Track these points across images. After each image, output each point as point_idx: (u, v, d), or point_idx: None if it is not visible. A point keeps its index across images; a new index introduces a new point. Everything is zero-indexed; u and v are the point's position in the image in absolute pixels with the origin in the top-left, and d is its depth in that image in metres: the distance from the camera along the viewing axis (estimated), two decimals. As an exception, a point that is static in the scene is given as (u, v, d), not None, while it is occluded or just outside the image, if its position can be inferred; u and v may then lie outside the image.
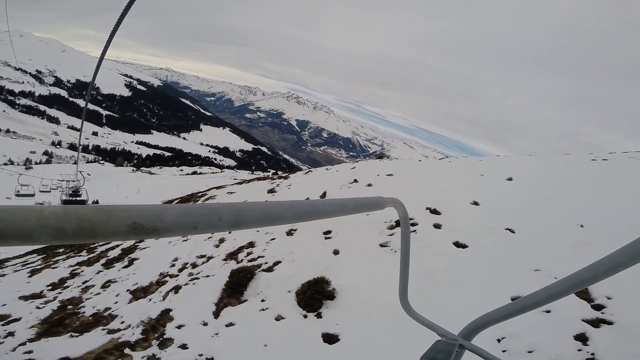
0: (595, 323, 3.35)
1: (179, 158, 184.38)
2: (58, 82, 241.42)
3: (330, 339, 3.60)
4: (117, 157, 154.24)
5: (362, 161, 19.06)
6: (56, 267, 8.50)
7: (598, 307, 3.56)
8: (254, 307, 4.42)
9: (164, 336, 4.14)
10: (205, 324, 4.26)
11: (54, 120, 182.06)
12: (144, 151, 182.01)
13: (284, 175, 15.81)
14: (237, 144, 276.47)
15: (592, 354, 3.04)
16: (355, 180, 10.60)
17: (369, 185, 9.85)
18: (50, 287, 7.11)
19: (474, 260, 4.96)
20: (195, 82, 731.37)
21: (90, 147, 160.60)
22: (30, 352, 4.65)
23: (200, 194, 15.23)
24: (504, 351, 3.23)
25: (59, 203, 15.66)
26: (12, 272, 8.63)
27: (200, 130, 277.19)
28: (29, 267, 8.98)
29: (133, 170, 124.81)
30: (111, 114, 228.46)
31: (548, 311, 3.58)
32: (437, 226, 6.09)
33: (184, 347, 3.82)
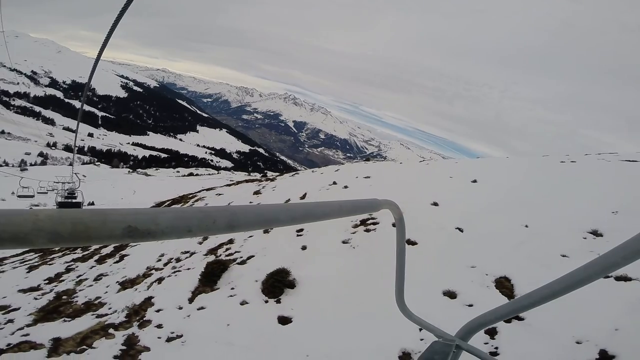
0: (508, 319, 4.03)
1: (175, 159, 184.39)
2: (53, 83, 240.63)
3: (284, 320, 4.27)
4: (112, 158, 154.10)
5: (349, 164, 19.76)
6: (52, 264, 9.13)
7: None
8: (224, 294, 5.09)
9: (144, 318, 4.81)
10: (180, 308, 4.94)
11: (49, 122, 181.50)
12: (140, 153, 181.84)
13: (271, 177, 16.49)
14: (234, 145, 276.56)
15: (496, 348, 3.60)
16: (334, 183, 11.30)
17: (345, 187, 10.56)
18: (47, 281, 7.74)
19: (421, 256, 5.64)
20: (192, 83, 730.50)
21: (85, 149, 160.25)
22: (27, 334, 5.29)
23: (190, 196, 15.87)
24: (422, 339, 3.89)
25: (54, 205, 16.24)
26: (11, 269, 9.24)
27: (197, 131, 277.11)
28: (27, 264, 9.59)
29: (129, 171, 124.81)
30: (107, 115, 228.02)
31: (470, 305, 4.26)
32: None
33: (159, 326, 4.49)
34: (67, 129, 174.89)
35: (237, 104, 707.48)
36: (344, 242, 6.43)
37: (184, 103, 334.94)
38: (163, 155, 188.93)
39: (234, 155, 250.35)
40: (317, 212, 0.54)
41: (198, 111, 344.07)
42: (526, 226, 6.42)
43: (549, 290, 0.55)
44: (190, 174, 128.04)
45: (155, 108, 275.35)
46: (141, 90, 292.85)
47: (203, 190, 17.19)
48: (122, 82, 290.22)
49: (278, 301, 4.67)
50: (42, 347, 4.78)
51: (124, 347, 4.16)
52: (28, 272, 8.66)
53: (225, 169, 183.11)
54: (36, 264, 9.49)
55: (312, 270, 5.40)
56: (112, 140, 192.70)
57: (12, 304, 6.76)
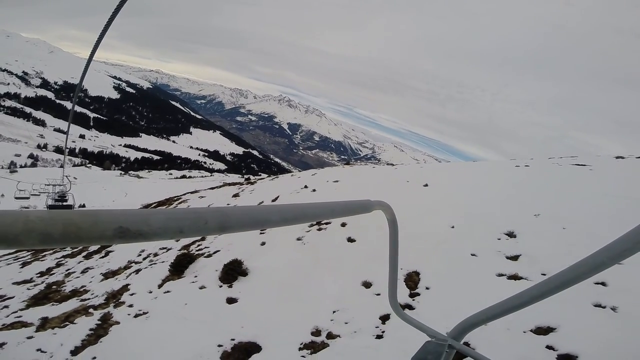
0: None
1: (168, 162, 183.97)
2: (45, 84, 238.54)
3: (230, 300, 5.28)
4: (104, 160, 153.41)
5: (328, 167, 20.81)
6: (44, 260, 10.02)
7: (414, 295, 5.29)
8: (188, 281, 6.09)
9: (119, 301, 5.78)
10: (150, 292, 5.92)
11: (40, 123, 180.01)
12: (132, 154, 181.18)
13: (252, 180, 17.47)
14: (228, 147, 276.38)
15: (383, 332, 4.44)
16: (305, 186, 12.33)
17: (314, 190, 11.61)
18: (39, 275, 8.66)
19: (356, 252, 6.68)
20: (186, 84, 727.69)
21: (77, 151, 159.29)
22: (20, 316, 6.23)
23: (175, 198, 16.78)
24: (331, 320, 4.86)
25: (45, 208, 16.95)
26: (6, 265, 10.11)
27: (190, 133, 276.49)
28: (20, 261, 10.47)
29: (121, 174, 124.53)
30: (99, 116, 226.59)
31: (378, 294, 5.26)
32: (343, 225, 7.84)
33: (130, 306, 5.47)
34: (58, 130, 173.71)
35: (231, 105, 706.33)
36: (297, 239, 7.45)
37: (177, 104, 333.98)
38: (155, 157, 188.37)
39: (228, 158, 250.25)
40: (309, 213, 0.55)
41: (192, 113, 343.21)
42: (452, 227, 7.47)
43: (539, 290, 0.54)
44: (183, 177, 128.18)
45: (148, 109, 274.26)
46: (134, 92, 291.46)
47: (188, 193, 18.11)
48: (114, 83, 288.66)
49: (230, 286, 5.67)
50: (32, 325, 5.72)
51: (99, 322, 5.14)
52: (22, 267, 9.55)
53: (219, 171, 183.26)
54: (29, 260, 10.36)
55: (264, 262, 6.42)
56: (103, 141, 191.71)
57: (7, 294, 7.68)
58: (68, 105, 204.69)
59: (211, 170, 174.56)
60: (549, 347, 3.18)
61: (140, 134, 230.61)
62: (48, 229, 0.30)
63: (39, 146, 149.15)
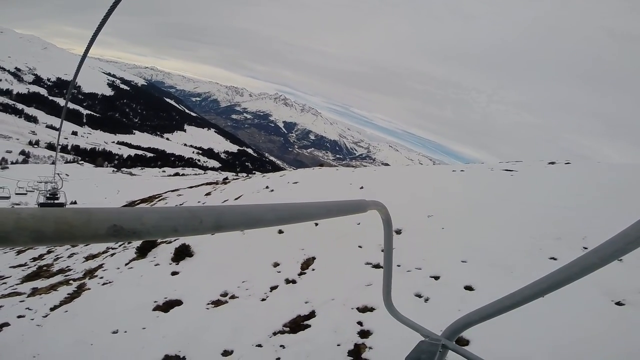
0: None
1: (161, 159, 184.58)
2: (38, 81, 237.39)
3: (174, 273, 7.04)
4: (97, 157, 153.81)
5: (302, 169, 22.55)
6: (37, 248, 11.69)
7: (301, 274, 7.10)
8: (148, 260, 7.85)
9: (94, 275, 7.54)
10: (117, 268, 7.68)
11: (32, 119, 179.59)
12: (125, 152, 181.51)
13: (227, 180, 19.19)
14: (222, 145, 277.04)
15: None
16: (267, 187, 14.10)
17: (272, 190, 13.39)
18: (32, 260, 10.37)
19: (281, 241, 8.47)
20: (181, 81, 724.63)
21: (69, 147, 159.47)
22: (15, 289, 7.94)
23: (157, 196, 18.47)
24: (238, 287, 6.73)
25: (36, 206, 17.92)
26: (2, 253, 11.78)
27: (185, 130, 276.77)
28: (16, 249, 12.12)
29: (113, 171, 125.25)
30: (92, 113, 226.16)
31: (279, 271, 7.11)
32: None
33: (101, 278, 7.22)
34: (51, 127, 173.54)
35: (227, 103, 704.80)
36: (242, 231, 9.22)
37: (172, 102, 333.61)
38: (149, 154, 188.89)
39: (222, 155, 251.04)
40: (304, 213, 0.55)
41: (186, 110, 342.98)
42: (358, 224, 9.25)
43: (531, 291, 0.55)
44: (177, 174, 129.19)
45: (142, 106, 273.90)
46: (128, 88, 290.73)
47: (168, 191, 19.79)
48: (108, 79, 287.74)
49: (177, 264, 7.45)
50: (24, 294, 7.45)
51: (75, 289, 6.88)
52: (17, 254, 11.25)
53: (213, 169, 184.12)
54: (23, 248, 12.03)
55: (209, 247, 8.19)
56: (96, 138, 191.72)
57: (5, 274, 9.39)
58: (61, 101, 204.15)
59: (205, 168, 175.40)
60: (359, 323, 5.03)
61: (134, 131, 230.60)
62: (40, 227, 0.30)
63: (30, 143, 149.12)
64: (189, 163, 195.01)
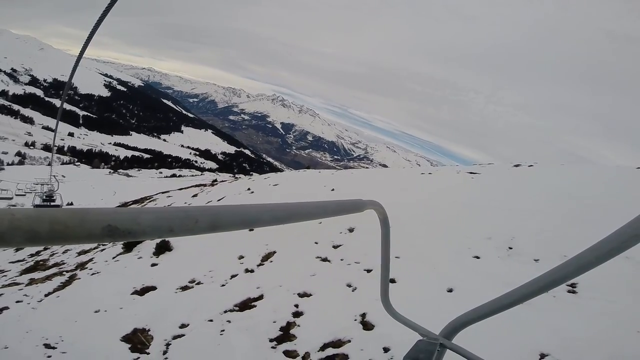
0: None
1: (158, 160, 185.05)
2: (34, 81, 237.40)
3: (153, 265, 8.10)
4: (93, 158, 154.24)
5: (287, 172, 23.65)
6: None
7: (259, 265, 8.17)
8: (133, 254, 8.91)
9: (84, 267, 8.59)
10: (106, 261, 8.73)
11: (28, 120, 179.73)
12: (122, 153, 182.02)
13: (215, 182, 20.24)
14: (220, 146, 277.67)
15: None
16: (249, 189, 15.17)
17: (252, 192, 14.45)
18: (29, 255, 11.38)
19: (251, 237, 9.54)
20: (178, 82, 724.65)
21: (65, 149, 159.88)
22: (15, 280, 8.97)
23: (148, 197, 19.48)
24: (204, 275, 7.80)
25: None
26: (2, 251, 12.77)
27: (182, 132, 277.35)
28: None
29: (110, 172, 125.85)
30: (88, 114, 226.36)
31: (242, 262, 8.18)
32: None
33: (90, 269, 8.27)
34: (47, 128, 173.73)
35: (224, 104, 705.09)
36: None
37: (169, 103, 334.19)
38: (146, 155, 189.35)
39: (219, 157, 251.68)
40: (300, 213, 0.55)
41: (183, 111, 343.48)
42: (319, 223, 10.33)
43: (528, 289, 0.56)
44: (174, 175, 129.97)
45: (139, 107, 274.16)
46: (125, 89, 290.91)
47: (159, 193, 20.81)
48: (105, 80, 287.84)
49: (157, 257, 8.51)
50: (22, 284, 8.48)
51: (67, 279, 7.93)
52: (15, 251, 12.26)
53: (210, 170, 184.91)
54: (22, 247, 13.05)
55: (187, 242, 9.25)
56: (93, 140, 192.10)
57: (5, 269, 10.41)
58: (57, 102, 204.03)
59: (202, 169, 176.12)
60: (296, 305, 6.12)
61: (131, 133, 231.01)
62: (34, 227, 0.30)
63: (26, 144, 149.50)
64: (186, 164, 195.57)
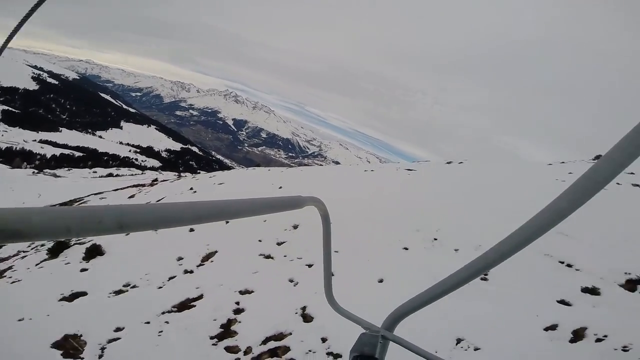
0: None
1: (92, 158, 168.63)
2: None
3: (83, 270, 7.63)
4: (13, 157, 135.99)
5: (235, 170, 23.30)
6: None
7: (199, 266, 8.18)
8: (59, 260, 8.26)
9: (2, 276, 7.82)
10: (28, 269, 8.01)
11: None
12: (49, 151, 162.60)
13: (155, 182, 19.26)
14: (163, 143, 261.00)
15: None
16: (191, 189, 14.74)
17: (195, 192, 14.09)
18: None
19: (192, 236, 9.41)
20: (120, 75, 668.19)
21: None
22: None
23: (77, 200, 17.91)
24: (140, 278, 7.62)
25: None
26: None
27: (121, 127, 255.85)
28: None
29: (34, 172, 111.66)
30: (10, 109, 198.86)
31: (179, 260, 8.10)
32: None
33: (9, 278, 7.56)
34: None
35: (171, 99, 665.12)
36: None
37: (108, 97, 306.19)
38: (77, 153, 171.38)
39: (163, 154, 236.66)
40: (228, 210, 0.51)
41: (124, 106, 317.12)
42: (264, 221, 10.52)
43: (464, 274, 0.57)
44: (110, 175, 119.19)
45: (72, 102, 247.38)
46: (56, 82, 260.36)
47: (92, 194, 19.26)
48: (34, 73, 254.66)
49: (87, 261, 8.03)
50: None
51: None
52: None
53: (152, 168, 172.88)
54: None
55: (122, 245, 8.83)
56: (13, 136, 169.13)
57: None
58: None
59: (143, 168, 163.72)
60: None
61: (60, 129, 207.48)
62: None
63: None
64: (125, 162, 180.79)
